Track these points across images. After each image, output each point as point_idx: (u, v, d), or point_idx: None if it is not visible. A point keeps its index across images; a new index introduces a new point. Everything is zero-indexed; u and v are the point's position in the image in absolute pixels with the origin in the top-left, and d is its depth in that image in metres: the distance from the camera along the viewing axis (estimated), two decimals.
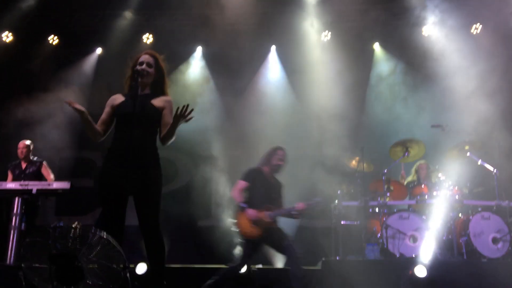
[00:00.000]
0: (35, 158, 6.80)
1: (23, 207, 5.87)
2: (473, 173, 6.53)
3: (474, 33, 8.30)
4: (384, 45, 8.75)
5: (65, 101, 3.55)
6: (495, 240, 5.78)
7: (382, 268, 5.45)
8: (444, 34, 8.12)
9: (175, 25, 8.38)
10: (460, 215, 6.20)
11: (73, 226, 2.95)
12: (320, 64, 8.37)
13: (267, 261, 7.23)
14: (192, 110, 3.54)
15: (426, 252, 5.60)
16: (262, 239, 4.89)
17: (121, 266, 3.09)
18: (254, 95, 8.58)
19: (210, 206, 8.30)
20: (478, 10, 8.07)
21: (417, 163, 6.99)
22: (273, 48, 8.91)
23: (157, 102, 3.77)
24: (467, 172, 6.44)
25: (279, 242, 4.86)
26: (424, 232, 5.85)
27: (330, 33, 8.53)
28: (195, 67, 8.84)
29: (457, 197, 6.11)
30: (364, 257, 6.04)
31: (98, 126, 3.72)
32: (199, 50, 8.85)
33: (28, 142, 6.82)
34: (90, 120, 3.64)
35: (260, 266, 5.91)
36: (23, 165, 6.73)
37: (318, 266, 5.78)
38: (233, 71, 8.08)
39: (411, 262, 5.31)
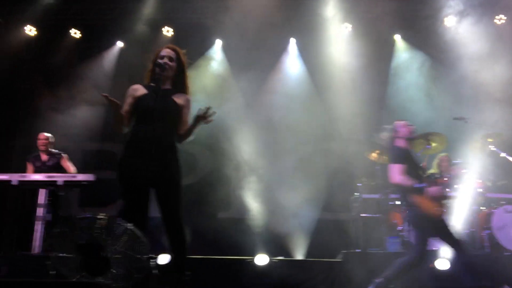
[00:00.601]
0: (55, 151, 6.90)
1: (50, 199, 6.01)
2: (496, 166, 6.44)
3: (498, 23, 8.14)
4: (405, 37, 8.64)
5: (102, 94, 3.59)
6: None
7: None
8: (466, 25, 7.99)
9: (195, 18, 8.41)
10: (482, 208, 6.13)
11: (99, 217, 3.01)
12: (340, 56, 8.31)
13: (287, 253, 7.28)
14: (214, 113, 3.57)
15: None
16: (443, 218, 4.57)
17: (146, 256, 3.15)
18: (273, 88, 8.56)
19: (229, 198, 8.36)
20: (502, 0, 7.91)
21: (438, 156, 6.92)
22: (293, 40, 8.88)
23: (178, 99, 3.82)
24: (490, 165, 6.36)
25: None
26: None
27: (350, 25, 8.47)
28: (215, 60, 8.86)
29: (480, 190, 6.04)
30: (385, 250, 6.03)
31: (124, 118, 3.76)
32: (218, 43, 8.87)
33: (48, 134, 6.92)
34: (121, 114, 3.69)
35: (281, 258, 5.93)
36: (44, 157, 6.80)
37: (339, 258, 5.78)
38: (253, 64, 8.07)
39: (433, 255, 5.28)
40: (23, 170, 6.69)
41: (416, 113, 7.75)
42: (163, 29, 8.67)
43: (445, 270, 5.05)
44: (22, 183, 5.95)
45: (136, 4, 8.31)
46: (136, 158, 3.64)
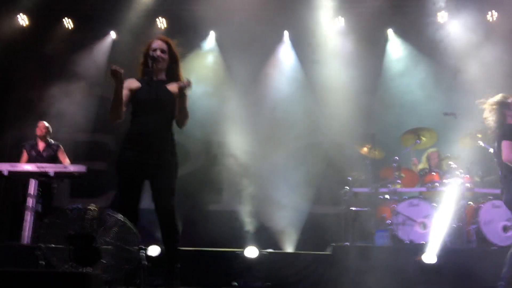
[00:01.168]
0: (53, 141, 6.89)
1: (40, 189, 6.00)
2: (485, 161, 6.50)
3: (490, 20, 8.19)
4: (397, 31, 8.66)
5: (112, 66, 3.61)
6: (505, 228, 5.80)
7: (391, 254, 5.50)
8: (459, 21, 8.03)
9: (189, 9, 8.37)
10: (470, 203, 6.21)
11: (90, 208, 3.03)
12: (332, 50, 8.33)
13: (277, 246, 7.33)
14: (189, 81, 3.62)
15: (435, 239, 5.63)
16: None
17: (136, 247, 3.18)
18: (266, 81, 8.58)
19: (221, 191, 8.39)
20: None
21: (428, 151, 7.00)
22: (286, 33, 8.88)
23: (172, 87, 3.83)
24: (479, 160, 6.43)
25: None
26: (434, 219, 5.88)
27: (343, 18, 8.48)
28: (208, 52, 8.84)
29: (468, 185, 6.11)
30: (373, 243, 6.09)
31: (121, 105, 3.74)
32: (212, 34, 8.85)
33: (47, 123, 6.90)
34: (121, 98, 3.69)
35: (270, 250, 5.98)
36: (40, 147, 6.76)
37: (328, 251, 5.84)
38: (246, 56, 8.07)
39: (420, 248, 5.35)
40: (15, 159, 6.64)
41: (407, 108, 7.82)
42: (157, 20, 8.63)
43: (432, 263, 5.11)
44: (12, 173, 5.93)
45: None
46: (132, 150, 3.69)
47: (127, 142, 3.75)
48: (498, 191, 6.19)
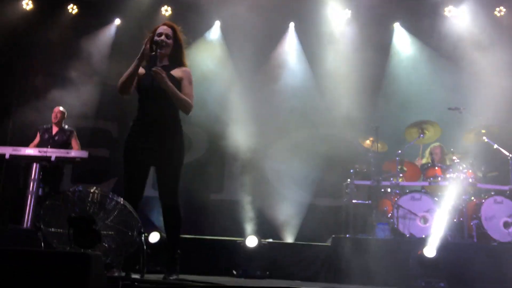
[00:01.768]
0: (67, 127, 6.89)
1: (41, 173, 6.01)
2: (488, 157, 6.48)
3: (498, 15, 8.13)
4: (404, 25, 8.62)
5: (148, 32, 3.74)
6: (506, 225, 5.79)
7: (391, 247, 5.48)
8: (466, 15, 7.99)
9: None
10: (472, 198, 6.19)
11: (92, 190, 3.03)
12: (338, 43, 8.29)
13: (278, 236, 7.34)
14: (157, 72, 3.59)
15: (436, 234, 5.61)
16: None
17: (136, 232, 3.17)
18: (271, 72, 8.54)
19: (223, 181, 8.39)
20: None
21: (431, 146, 6.96)
22: (292, 24, 8.83)
23: (176, 72, 3.81)
24: (482, 156, 6.40)
25: None
26: (435, 214, 5.87)
27: (350, 11, 8.43)
28: (213, 41, 8.80)
29: (470, 180, 6.09)
30: (374, 236, 6.09)
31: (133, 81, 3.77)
32: (217, 24, 8.80)
33: (62, 109, 6.89)
34: (136, 73, 3.72)
35: (270, 240, 5.98)
36: (54, 131, 6.78)
37: (328, 243, 5.84)
38: (251, 46, 8.03)
39: (421, 242, 5.33)
40: (17, 144, 6.64)
41: (411, 101, 7.78)
42: (162, 8, 8.59)
43: (432, 257, 5.09)
44: (15, 157, 5.94)
45: None
46: (138, 136, 3.72)
47: (134, 128, 3.78)
48: (500, 187, 6.20)
